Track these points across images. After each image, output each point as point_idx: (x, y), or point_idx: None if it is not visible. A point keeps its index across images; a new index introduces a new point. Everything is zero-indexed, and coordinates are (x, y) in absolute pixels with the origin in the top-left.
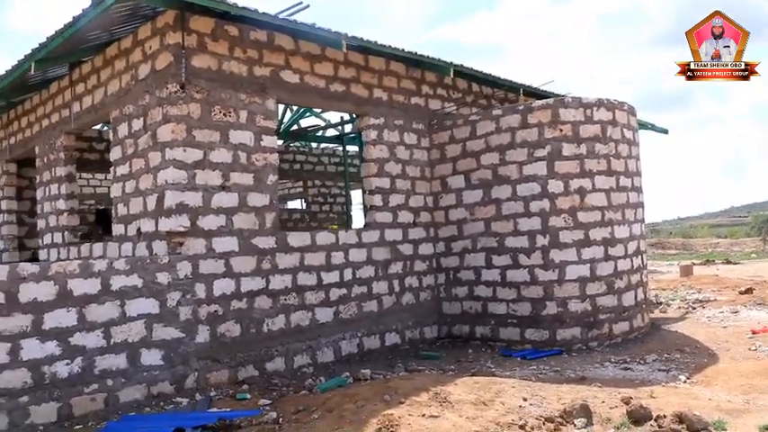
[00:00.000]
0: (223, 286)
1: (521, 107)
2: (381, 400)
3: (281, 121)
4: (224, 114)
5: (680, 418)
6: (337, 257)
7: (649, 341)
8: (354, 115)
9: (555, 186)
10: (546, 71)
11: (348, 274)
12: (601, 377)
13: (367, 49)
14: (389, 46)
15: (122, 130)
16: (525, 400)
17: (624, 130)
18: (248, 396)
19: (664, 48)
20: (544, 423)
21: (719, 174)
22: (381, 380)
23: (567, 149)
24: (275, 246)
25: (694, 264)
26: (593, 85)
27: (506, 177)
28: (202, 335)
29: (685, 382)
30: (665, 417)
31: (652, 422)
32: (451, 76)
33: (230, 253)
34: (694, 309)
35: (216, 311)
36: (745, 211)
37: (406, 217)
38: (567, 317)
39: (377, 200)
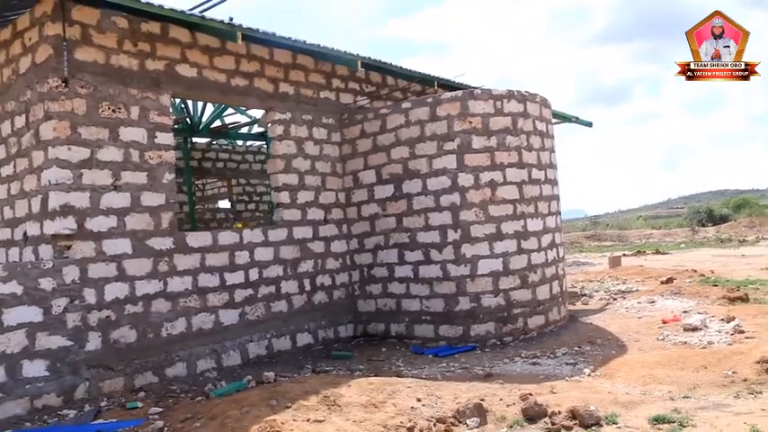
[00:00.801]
0: (116, 290)
1: (429, 100)
2: (267, 405)
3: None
4: (113, 111)
5: (573, 414)
6: (242, 257)
7: (564, 334)
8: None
9: (465, 180)
10: (491, 67)
11: (254, 274)
12: (508, 373)
13: (267, 41)
14: (290, 38)
15: (5, 128)
16: (419, 400)
17: (536, 122)
18: (139, 405)
19: (606, 44)
20: (435, 424)
21: (658, 167)
22: (271, 384)
23: (477, 142)
24: (173, 247)
25: (625, 255)
26: (536, 80)
27: (417, 171)
28: (93, 342)
29: (589, 375)
30: (559, 413)
31: (546, 419)
32: (358, 68)
33: (123, 255)
34: (615, 299)
35: (108, 317)
36: (682, 203)
37: (316, 214)
38: (481, 312)
39: (284, 197)
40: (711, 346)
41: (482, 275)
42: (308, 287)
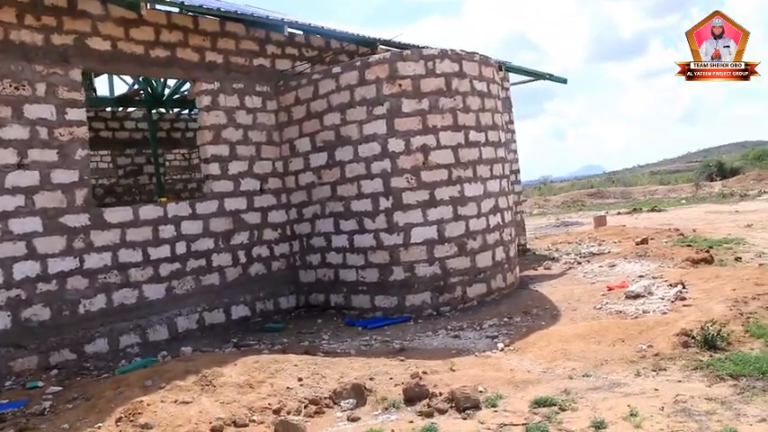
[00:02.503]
0: (26, 269)
1: (358, 63)
2: (142, 386)
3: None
4: (15, 88)
5: (451, 397)
6: (166, 231)
7: (504, 303)
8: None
9: (395, 145)
10: (502, 28)
11: (181, 248)
12: (423, 347)
13: (185, 8)
14: (201, 6)
15: None
16: (300, 380)
17: (475, 81)
18: (40, 384)
19: None
20: (307, 406)
21: (678, 121)
22: (158, 363)
23: (408, 105)
24: (89, 223)
25: (620, 213)
26: (549, 36)
27: (348, 138)
28: (2, 321)
29: (503, 350)
30: (440, 395)
31: (426, 401)
32: (285, 33)
33: (33, 234)
34: (580, 263)
35: (18, 296)
36: (702, 156)
37: (250, 184)
38: (416, 282)
39: (213, 168)
40: (645, 316)
41: (416, 244)
42: (243, 259)
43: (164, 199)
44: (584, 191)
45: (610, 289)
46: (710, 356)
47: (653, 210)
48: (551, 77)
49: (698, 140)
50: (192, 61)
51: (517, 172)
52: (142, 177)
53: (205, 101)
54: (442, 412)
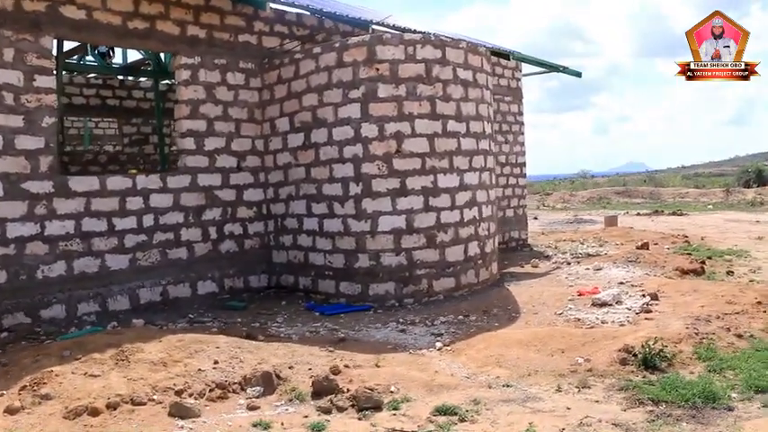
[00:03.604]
0: None
1: (337, 44)
2: (60, 356)
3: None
4: None
5: (354, 396)
6: (134, 203)
7: (469, 300)
8: None
9: (369, 130)
10: (550, 17)
11: (149, 221)
12: (364, 339)
13: None
14: None
15: None
16: (216, 363)
17: (459, 69)
18: None
19: None
20: (212, 390)
21: (727, 122)
22: (85, 335)
23: (384, 90)
24: (52, 191)
25: (639, 214)
26: (596, 27)
27: (324, 120)
28: None
29: (440, 349)
30: (346, 391)
31: (332, 396)
32: (267, 9)
33: None
34: (569, 264)
35: None
36: (750, 160)
37: (227, 161)
38: (380, 271)
39: (188, 143)
40: (602, 326)
41: (383, 232)
42: (213, 235)
43: (134, 170)
44: (612, 188)
45: (580, 294)
46: (644, 377)
47: (674, 213)
48: (565, 70)
49: (748, 144)
50: (173, 34)
51: (523, 165)
52: (147, 147)
53: (184, 75)
54: (341, 410)
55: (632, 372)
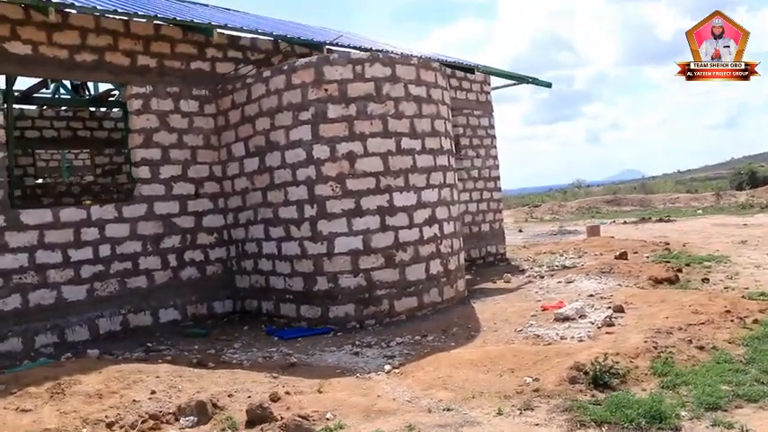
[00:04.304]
0: None
1: (285, 67)
2: None
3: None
4: None
5: (286, 425)
6: (89, 234)
7: (432, 320)
8: None
9: (320, 152)
10: (537, 29)
11: (105, 251)
12: (315, 364)
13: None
14: (124, 11)
15: None
16: (154, 393)
17: (410, 86)
18: None
19: None
20: (145, 421)
21: (721, 125)
22: (26, 369)
23: (334, 111)
24: (4, 224)
25: (626, 222)
26: (582, 37)
27: (276, 143)
28: None
29: (389, 372)
30: (280, 419)
31: (265, 425)
32: (214, 36)
33: None
34: (543, 277)
35: None
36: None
37: (184, 188)
38: (339, 293)
39: (143, 172)
40: (559, 342)
41: (340, 254)
42: (173, 263)
43: (88, 201)
44: (601, 197)
45: (544, 309)
46: (592, 396)
47: (661, 220)
48: (535, 81)
49: (743, 146)
50: (123, 65)
51: (497, 179)
52: (120, 177)
53: (135, 105)
54: None
55: (581, 391)
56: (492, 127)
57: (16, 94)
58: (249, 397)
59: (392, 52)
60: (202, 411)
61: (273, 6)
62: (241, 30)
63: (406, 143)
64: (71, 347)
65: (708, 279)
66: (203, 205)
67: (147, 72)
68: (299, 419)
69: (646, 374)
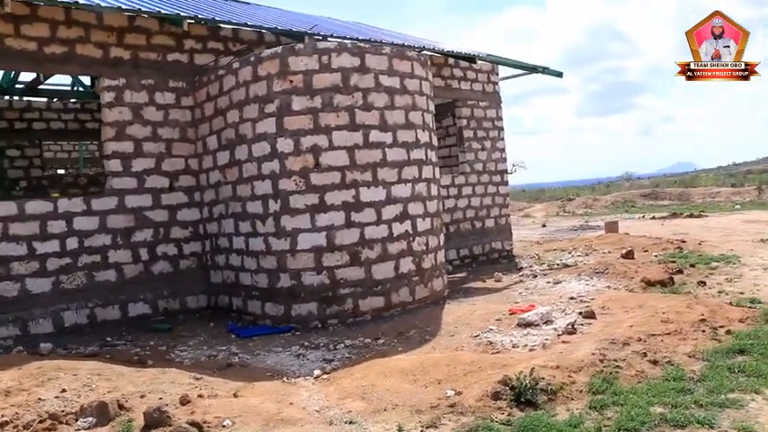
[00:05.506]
0: None
1: (252, 58)
2: None
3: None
4: None
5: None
6: (56, 226)
7: (395, 321)
8: None
9: (284, 145)
10: (589, 19)
11: (73, 243)
12: (253, 365)
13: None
14: (95, 3)
15: None
16: (64, 391)
17: (381, 77)
18: None
19: None
20: (43, 421)
21: None
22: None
23: (298, 103)
24: None
25: (654, 218)
26: (637, 26)
27: (244, 137)
28: None
29: (318, 377)
30: (173, 426)
31: (160, 429)
32: (184, 27)
33: None
34: (536, 276)
35: None
36: None
37: (157, 182)
38: (301, 291)
39: (114, 165)
40: (510, 351)
41: (303, 251)
42: (145, 257)
43: (55, 194)
44: (638, 191)
45: (512, 313)
46: (509, 415)
47: (691, 215)
48: (546, 71)
49: None
50: (94, 57)
51: (504, 173)
52: None
53: (107, 97)
54: None
55: (499, 408)
56: (500, 119)
57: (20, 86)
58: (161, 398)
59: (381, 42)
60: (103, 413)
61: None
62: (211, 20)
63: (375, 136)
64: (34, 340)
65: (705, 282)
66: (178, 198)
67: (120, 64)
68: (186, 426)
69: (580, 391)
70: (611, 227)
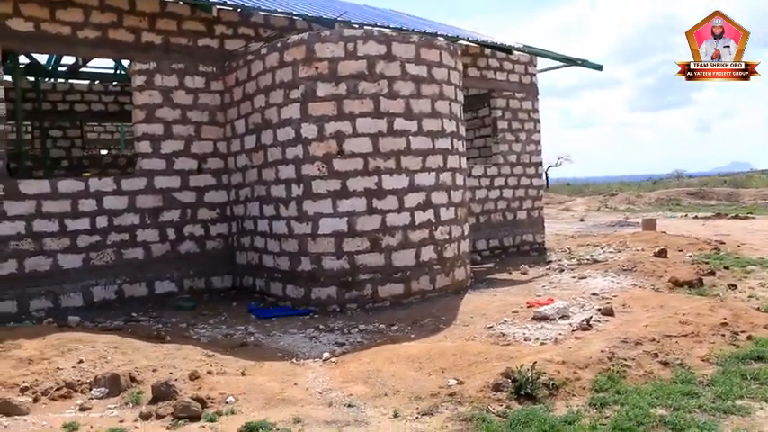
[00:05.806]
0: None
1: (279, 44)
2: None
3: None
4: None
5: (175, 405)
6: (87, 205)
7: (413, 308)
8: None
9: (308, 131)
10: (645, 11)
11: (102, 222)
12: (266, 345)
13: None
14: None
15: None
16: (81, 362)
17: (408, 65)
18: None
19: None
20: (60, 388)
21: None
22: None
23: (323, 89)
24: (2, 194)
25: (697, 217)
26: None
27: (270, 122)
28: None
29: (326, 360)
30: (178, 399)
31: (167, 402)
32: (214, 13)
33: None
34: (563, 270)
35: None
36: None
37: (186, 164)
38: (322, 275)
39: (144, 147)
40: (521, 343)
41: (324, 235)
42: (172, 236)
43: (87, 174)
44: (684, 189)
45: (530, 306)
46: (506, 407)
47: (736, 216)
48: (585, 63)
49: None
50: (126, 42)
51: (538, 165)
52: None
53: (138, 80)
54: (160, 417)
55: (499, 400)
56: (536, 111)
57: (63, 69)
58: (171, 373)
59: (412, 30)
60: (115, 384)
61: None
62: (242, 6)
63: (400, 124)
64: (65, 312)
65: (736, 286)
66: (206, 181)
67: (151, 48)
68: (188, 401)
69: (583, 388)
70: (649, 224)
